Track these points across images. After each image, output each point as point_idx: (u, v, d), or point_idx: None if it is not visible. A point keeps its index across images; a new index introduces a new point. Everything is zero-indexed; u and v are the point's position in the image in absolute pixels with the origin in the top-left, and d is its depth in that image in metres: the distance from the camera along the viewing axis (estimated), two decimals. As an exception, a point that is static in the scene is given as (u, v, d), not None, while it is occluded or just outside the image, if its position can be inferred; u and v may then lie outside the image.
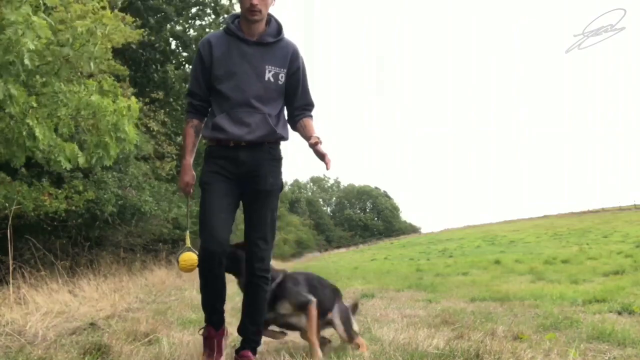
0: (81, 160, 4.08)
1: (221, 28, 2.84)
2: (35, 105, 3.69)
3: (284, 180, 2.85)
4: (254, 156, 2.66)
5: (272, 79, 2.67)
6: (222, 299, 2.74)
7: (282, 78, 2.70)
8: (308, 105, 2.83)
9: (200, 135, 2.80)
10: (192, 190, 2.80)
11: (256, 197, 2.70)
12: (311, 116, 2.82)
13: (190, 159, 2.76)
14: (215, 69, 2.66)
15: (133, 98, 4.59)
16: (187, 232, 2.95)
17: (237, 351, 2.74)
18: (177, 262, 2.72)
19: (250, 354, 2.69)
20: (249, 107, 2.62)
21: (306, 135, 2.71)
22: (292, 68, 2.73)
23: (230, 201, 2.69)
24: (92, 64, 3.82)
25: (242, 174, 2.67)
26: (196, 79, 2.74)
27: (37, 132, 3.59)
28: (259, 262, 2.70)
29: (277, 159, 2.76)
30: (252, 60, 2.64)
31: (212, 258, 2.57)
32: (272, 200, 2.74)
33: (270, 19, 2.71)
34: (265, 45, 2.67)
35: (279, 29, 2.72)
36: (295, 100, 2.78)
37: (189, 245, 2.76)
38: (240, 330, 2.79)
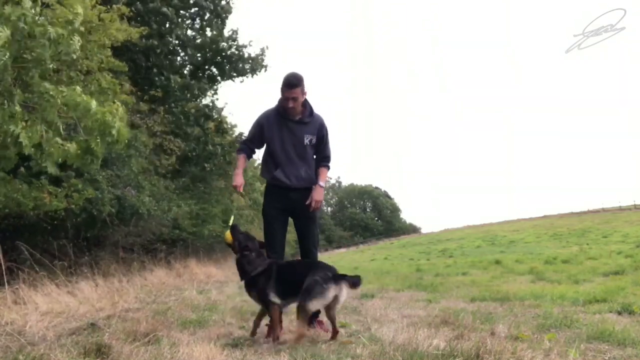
0: (72, 153, 3.80)
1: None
2: (18, 109, 3.50)
3: None
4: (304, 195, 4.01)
5: (309, 143, 4.00)
6: None
7: (313, 140, 4.02)
8: (326, 158, 4.16)
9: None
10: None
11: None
12: (327, 166, 4.16)
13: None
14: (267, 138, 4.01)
15: (125, 96, 4.39)
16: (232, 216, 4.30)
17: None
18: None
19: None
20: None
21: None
22: (320, 134, 4.05)
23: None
24: (74, 55, 3.66)
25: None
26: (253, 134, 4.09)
27: (22, 137, 3.43)
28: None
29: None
30: (296, 133, 3.97)
31: None
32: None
33: (305, 103, 3.95)
34: (305, 123, 3.99)
35: (311, 110, 4.01)
36: (319, 152, 4.12)
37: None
38: None
